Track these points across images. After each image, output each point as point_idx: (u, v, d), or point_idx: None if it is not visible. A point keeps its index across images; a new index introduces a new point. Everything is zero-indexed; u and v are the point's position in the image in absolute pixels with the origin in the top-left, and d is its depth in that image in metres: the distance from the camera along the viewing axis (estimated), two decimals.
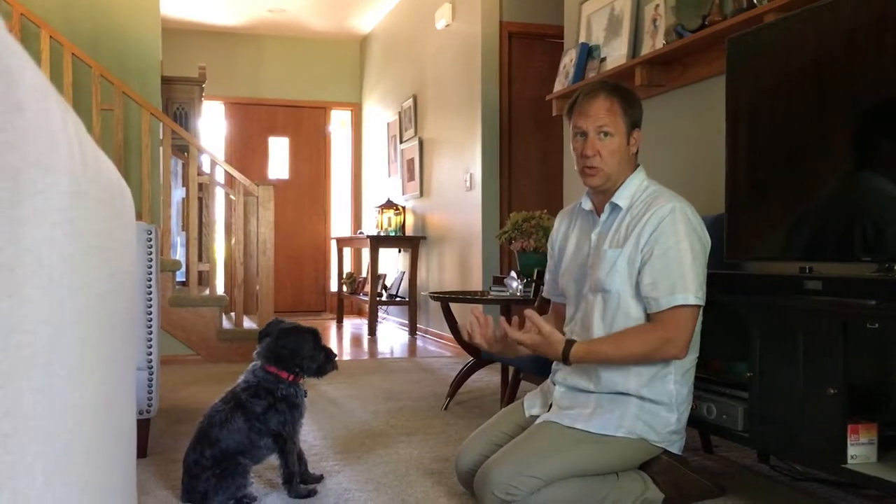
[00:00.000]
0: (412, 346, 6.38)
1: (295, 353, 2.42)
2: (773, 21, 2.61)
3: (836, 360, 1.94)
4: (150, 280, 2.78)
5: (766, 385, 2.17)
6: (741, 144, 2.58)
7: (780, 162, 2.43)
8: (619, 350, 2.19)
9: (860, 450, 1.93)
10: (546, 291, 2.71)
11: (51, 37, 5.00)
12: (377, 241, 7.26)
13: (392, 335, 7.12)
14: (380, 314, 8.10)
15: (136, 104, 5.19)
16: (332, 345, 6.57)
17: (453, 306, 3.93)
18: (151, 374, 2.80)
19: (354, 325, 8.02)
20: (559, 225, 2.63)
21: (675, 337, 2.16)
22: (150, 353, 2.79)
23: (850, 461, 1.92)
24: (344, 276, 8.39)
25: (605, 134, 2.29)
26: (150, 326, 2.79)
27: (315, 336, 2.50)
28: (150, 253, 2.79)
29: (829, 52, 2.26)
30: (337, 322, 8.15)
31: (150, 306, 2.79)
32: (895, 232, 2.04)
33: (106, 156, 0.89)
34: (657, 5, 3.60)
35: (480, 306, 2.55)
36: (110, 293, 0.83)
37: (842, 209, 2.21)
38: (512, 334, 2.24)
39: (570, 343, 2.19)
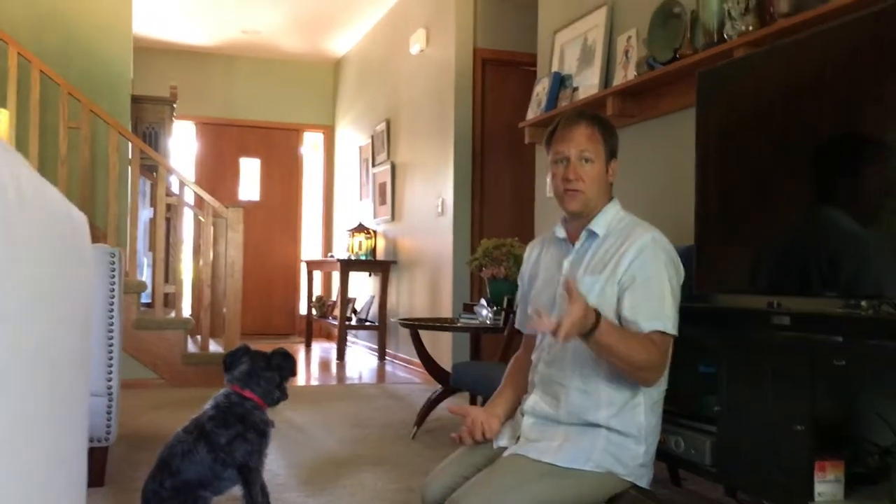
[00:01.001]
0: (381, 372, 6.32)
1: (292, 373, 2.43)
2: (742, 56, 2.64)
3: (803, 396, 1.93)
4: (111, 304, 2.72)
5: (734, 419, 2.16)
6: (710, 177, 2.59)
7: (748, 195, 2.44)
8: (628, 347, 2.09)
9: (827, 487, 1.92)
10: (518, 322, 2.69)
11: (18, 53, 4.93)
12: (347, 265, 7.22)
13: (361, 360, 7.06)
14: (349, 339, 8.04)
15: (105, 123, 5.13)
16: (301, 368, 6.51)
17: (422, 332, 3.90)
18: (111, 400, 2.73)
19: (323, 349, 7.94)
20: (530, 254, 2.61)
21: (659, 360, 2.15)
22: (109, 379, 2.72)
23: (816, 498, 1.91)
24: (313, 299, 8.32)
25: (587, 160, 2.29)
26: (111, 351, 2.73)
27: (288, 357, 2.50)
28: (113, 276, 2.74)
29: (794, 88, 2.28)
30: (305, 346, 8.07)
31: (112, 331, 2.73)
32: (858, 268, 2.06)
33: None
34: (629, 37, 3.63)
35: (475, 408, 2.48)
36: (49, 332, 0.80)
37: (807, 243, 2.22)
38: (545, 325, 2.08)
39: (598, 313, 2.05)
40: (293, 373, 2.48)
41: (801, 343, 1.98)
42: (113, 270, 2.73)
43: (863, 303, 2.03)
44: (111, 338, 2.73)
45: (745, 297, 2.58)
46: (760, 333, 2.12)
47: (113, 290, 2.73)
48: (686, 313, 2.24)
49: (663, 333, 2.16)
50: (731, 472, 2.20)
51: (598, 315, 2.04)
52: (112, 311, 2.73)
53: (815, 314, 2.03)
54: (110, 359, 2.73)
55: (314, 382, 5.81)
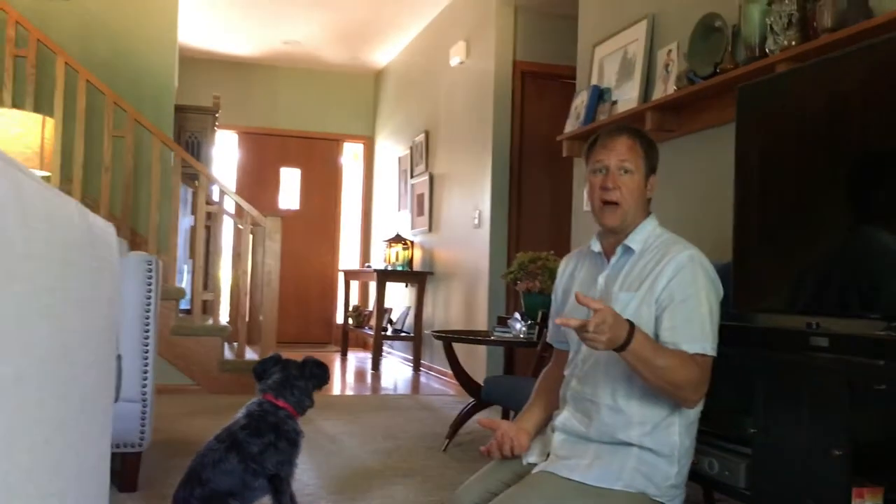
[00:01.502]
0: (415, 383, 6.32)
1: (325, 381, 2.44)
2: (784, 71, 2.60)
3: (841, 420, 1.88)
4: (147, 311, 2.76)
5: (770, 442, 2.11)
6: (749, 193, 2.54)
7: (788, 212, 2.39)
8: (667, 364, 2.03)
9: None
10: (550, 337, 2.66)
11: (66, 63, 5.04)
12: (384, 275, 7.24)
13: (395, 371, 7.06)
14: (384, 349, 8.05)
15: (149, 131, 5.22)
16: (335, 378, 6.55)
17: (457, 345, 3.88)
18: (145, 406, 2.76)
19: (359, 358, 7.97)
20: (564, 268, 2.58)
21: (700, 381, 2.11)
22: (144, 385, 2.76)
23: None
24: (350, 308, 8.35)
25: (626, 171, 2.26)
26: (147, 358, 2.77)
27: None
28: (150, 283, 2.77)
29: (837, 104, 2.24)
30: (341, 355, 8.10)
31: (147, 337, 2.76)
32: None
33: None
34: (670, 50, 3.60)
35: (504, 424, 2.45)
36: (59, 344, 0.80)
37: (848, 263, 2.17)
38: (571, 324, 2.04)
39: (633, 325, 1.99)
40: (326, 381, 2.49)
41: (840, 365, 1.93)
42: (150, 278, 2.77)
43: None
44: (146, 344, 2.76)
45: (783, 316, 2.53)
46: (798, 354, 2.07)
47: (149, 297, 2.77)
48: (723, 332, 2.20)
49: (703, 355, 2.12)
50: (766, 496, 2.15)
51: (632, 325, 2.01)
52: (148, 317, 2.76)
53: (854, 336, 1.98)
54: (145, 365, 2.76)
55: (349, 392, 5.83)
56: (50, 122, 4.60)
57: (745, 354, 2.23)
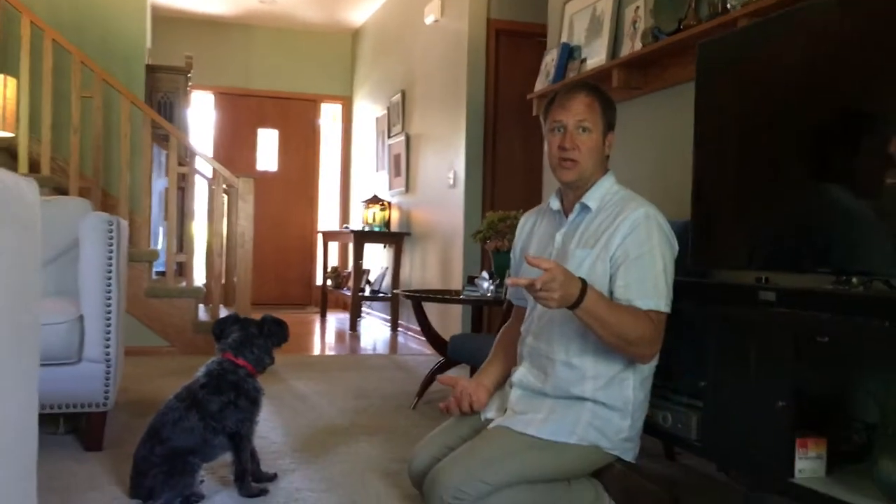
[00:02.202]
0: (393, 343, 6.36)
1: (284, 339, 2.45)
2: (743, 27, 2.59)
3: (786, 372, 1.91)
4: (109, 272, 2.75)
5: (720, 395, 2.15)
6: (708, 150, 2.55)
7: (746, 169, 2.40)
8: (619, 321, 2.07)
9: (808, 464, 1.91)
10: (510, 294, 2.68)
11: (31, 22, 4.95)
12: (362, 236, 7.23)
13: (374, 331, 7.10)
14: (363, 310, 8.08)
15: (119, 92, 5.15)
16: (314, 339, 6.57)
17: (432, 304, 3.90)
18: (109, 367, 2.77)
19: (338, 319, 7.99)
20: (524, 225, 2.59)
21: (654, 337, 2.13)
22: (107, 346, 2.76)
23: (797, 475, 1.90)
24: (329, 270, 8.36)
25: (584, 129, 2.26)
26: (110, 319, 2.76)
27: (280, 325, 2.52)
28: (111, 244, 2.76)
29: (795, 61, 2.23)
30: (321, 316, 8.12)
31: (110, 299, 2.75)
32: (853, 244, 2.02)
33: None
34: (637, 7, 3.57)
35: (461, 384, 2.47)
36: None
37: (803, 219, 2.18)
38: (521, 282, 2.02)
39: (586, 284, 2.03)
40: (285, 338, 2.50)
41: (786, 319, 1.95)
42: (111, 239, 2.76)
43: (854, 280, 1.99)
44: (109, 305, 2.76)
45: (740, 272, 2.55)
46: (747, 309, 2.09)
47: (111, 257, 2.76)
48: (677, 288, 2.22)
49: (657, 312, 2.14)
50: (716, 447, 2.19)
51: (584, 284, 2.03)
52: (110, 278, 2.75)
53: (801, 290, 2.00)
54: (108, 326, 2.76)
55: (329, 353, 5.85)
56: (12, 81, 4.54)
57: (698, 309, 2.25)
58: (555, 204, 2.42)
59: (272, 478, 2.51)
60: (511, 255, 2.63)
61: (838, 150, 2.10)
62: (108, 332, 2.75)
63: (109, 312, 2.76)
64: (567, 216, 2.37)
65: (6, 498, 1.08)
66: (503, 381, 2.45)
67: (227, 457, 2.38)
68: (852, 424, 2.10)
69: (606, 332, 2.09)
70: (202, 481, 2.36)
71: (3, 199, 0.87)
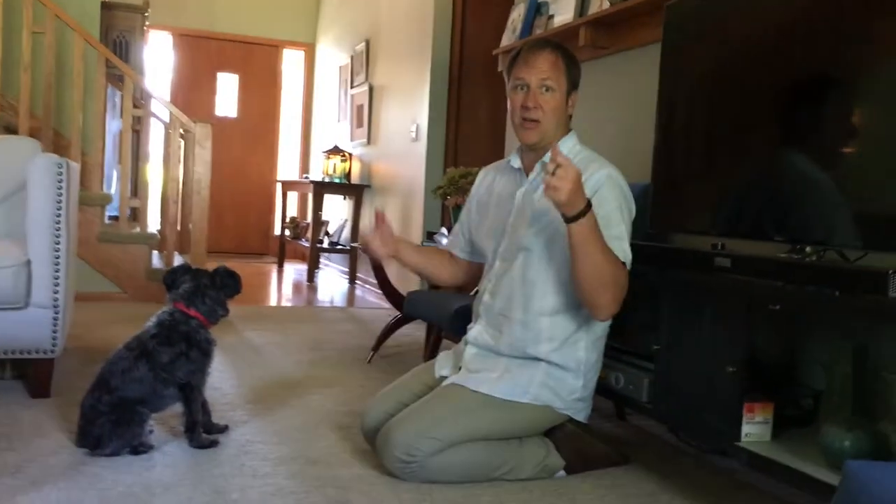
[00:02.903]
0: (350, 296, 6.34)
1: (236, 290, 2.40)
2: None
3: (737, 338, 1.94)
4: (59, 216, 2.67)
5: (671, 358, 2.17)
6: (669, 113, 2.54)
7: (705, 135, 2.41)
8: (605, 255, 2.03)
9: (754, 428, 1.94)
10: (450, 244, 2.63)
11: None
12: (321, 187, 7.15)
13: (332, 283, 7.06)
14: (321, 262, 8.02)
15: (72, 29, 4.97)
16: (271, 290, 6.52)
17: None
18: (57, 312, 2.70)
19: (296, 270, 7.93)
20: (482, 179, 2.57)
21: (623, 288, 2.10)
22: (56, 292, 2.69)
23: (743, 439, 1.94)
24: (287, 220, 8.27)
25: (548, 88, 2.23)
26: (58, 265, 2.69)
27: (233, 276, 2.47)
28: (61, 187, 2.68)
29: (760, 25, 2.22)
30: (278, 266, 8.05)
31: (59, 244, 2.68)
32: (810, 213, 2.04)
33: None
34: None
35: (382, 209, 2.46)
36: None
37: (762, 185, 2.20)
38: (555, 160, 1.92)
39: (589, 205, 1.97)
40: (237, 290, 2.46)
41: (739, 286, 1.97)
42: (60, 181, 2.67)
43: (807, 248, 2.02)
44: (58, 250, 2.68)
45: (698, 237, 2.57)
46: (702, 274, 2.11)
47: (60, 201, 2.68)
48: (634, 251, 2.23)
49: (623, 264, 2.14)
50: (666, 410, 2.22)
51: (589, 203, 1.99)
52: (59, 222, 2.68)
53: (755, 257, 2.02)
54: (56, 271, 2.69)
55: (285, 304, 5.81)
56: None
57: (654, 273, 2.26)
58: (515, 162, 2.40)
59: (223, 429, 2.49)
60: (464, 209, 2.60)
61: (801, 118, 2.11)
62: (57, 278, 2.69)
63: (58, 257, 2.69)
64: (528, 175, 2.35)
65: None
66: (411, 263, 2.53)
67: (178, 407, 2.36)
68: (799, 390, 2.14)
69: (589, 264, 2.01)
70: (151, 431, 2.33)
71: None
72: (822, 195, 2.02)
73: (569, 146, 2.30)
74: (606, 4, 3.39)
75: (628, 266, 2.14)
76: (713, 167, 2.39)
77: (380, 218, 2.38)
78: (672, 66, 2.54)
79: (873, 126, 1.89)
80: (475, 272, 2.54)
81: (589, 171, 2.20)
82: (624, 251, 2.14)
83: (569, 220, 1.96)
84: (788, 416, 2.05)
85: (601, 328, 2.27)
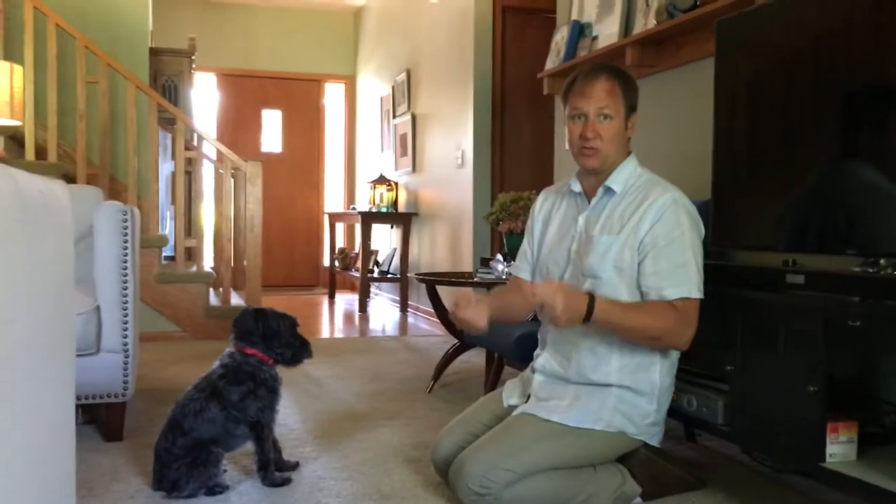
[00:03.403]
0: (403, 324, 6.35)
1: (275, 334, 2.39)
2: (763, 4, 2.54)
3: (816, 356, 1.89)
4: (125, 262, 2.73)
5: (747, 379, 2.13)
6: (728, 129, 2.51)
7: (768, 149, 2.37)
8: (639, 320, 2.07)
9: (839, 448, 1.89)
10: (516, 268, 2.60)
11: (35, 7, 4.90)
12: (369, 217, 7.20)
13: (383, 312, 7.09)
14: (372, 291, 8.07)
15: (123, 77, 5.10)
16: (323, 321, 6.57)
17: (442, 287, 3.88)
18: (127, 356, 2.75)
19: (346, 300, 7.99)
20: (543, 202, 2.54)
21: (683, 326, 2.11)
22: (125, 336, 2.74)
23: (828, 459, 1.89)
24: (336, 251, 8.34)
25: (605, 117, 2.22)
26: (126, 308, 2.74)
27: (294, 323, 2.46)
28: (126, 233, 2.74)
29: (817, 37, 2.19)
30: (329, 297, 8.11)
31: (126, 288, 2.73)
32: (880, 224, 1.99)
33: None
34: None
35: (469, 290, 2.42)
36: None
37: (828, 198, 2.15)
38: (519, 292, 2.03)
39: (593, 296, 2.03)
40: (280, 336, 2.42)
41: (816, 303, 1.93)
42: (125, 229, 2.73)
43: (881, 261, 1.97)
44: (126, 295, 2.74)
45: (762, 254, 2.53)
46: (774, 292, 2.07)
47: (126, 247, 2.73)
48: (703, 271, 2.20)
49: (688, 299, 2.12)
50: (742, 432, 2.18)
51: (591, 297, 2.02)
52: (126, 268, 2.73)
53: (830, 273, 1.98)
54: (125, 316, 2.74)
55: (338, 335, 5.84)
56: (18, 69, 4.49)
57: (724, 293, 2.23)
58: (576, 186, 2.39)
59: (294, 466, 2.51)
60: (527, 232, 2.58)
61: (865, 126, 2.07)
62: (126, 322, 2.74)
63: (126, 302, 2.74)
64: (589, 199, 2.34)
65: (48, 497, 1.07)
66: (500, 315, 2.35)
67: (249, 446, 2.38)
68: (881, 407, 2.09)
69: (629, 336, 2.12)
70: (225, 471, 2.35)
71: (39, 206, 0.85)
72: (891, 205, 1.97)
73: (629, 170, 2.29)
74: (652, 23, 3.38)
75: (695, 295, 2.11)
76: (776, 181, 2.35)
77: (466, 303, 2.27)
78: (727, 80, 2.51)
79: None
80: None
81: (652, 196, 2.18)
82: (689, 278, 2.11)
83: (583, 321, 2.01)
84: (871, 433, 1.99)
85: (676, 353, 2.24)
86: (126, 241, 2.74)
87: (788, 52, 2.29)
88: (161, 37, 7.31)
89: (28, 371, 0.87)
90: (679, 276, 2.10)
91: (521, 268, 2.55)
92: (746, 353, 2.13)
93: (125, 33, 5.81)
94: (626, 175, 2.27)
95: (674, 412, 2.36)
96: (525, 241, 2.58)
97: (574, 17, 4.12)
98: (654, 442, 2.25)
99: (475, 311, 2.20)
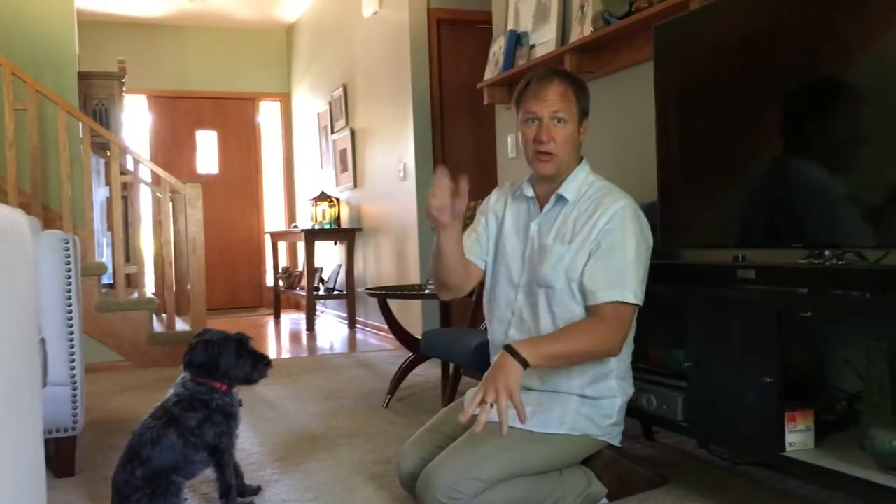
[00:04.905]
0: (352, 341, 6.30)
1: (216, 366, 2.31)
2: (699, 7, 2.61)
3: (770, 348, 1.94)
4: (69, 291, 2.65)
5: (704, 374, 2.17)
6: (671, 131, 2.57)
7: (710, 148, 2.43)
8: (569, 347, 2.07)
9: (798, 437, 1.94)
10: (467, 250, 2.43)
11: None
12: (312, 234, 7.14)
13: (331, 329, 7.02)
14: (318, 309, 7.99)
15: (52, 102, 4.97)
16: (270, 341, 6.47)
17: (391, 301, 3.86)
18: (75, 389, 2.67)
19: (292, 320, 7.89)
20: (497, 199, 2.47)
21: (613, 333, 2.13)
22: (72, 368, 2.66)
23: (788, 448, 1.94)
24: (280, 270, 8.24)
25: (559, 120, 2.23)
26: (72, 339, 2.67)
27: (239, 343, 2.37)
28: (69, 263, 2.66)
29: (753, 36, 2.26)
30: (274, 317, 8.01)
31: (71, 319, 2.66)
32: (823, 216, 2.05)
33: None
34: None
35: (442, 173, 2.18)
36: None
37: (771, 194, 2.21)
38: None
39: (514, 352, 1.98)
40: (221, 365, 2.36)
41: (767, 296, 1.98)
42: (68, 257, 2.65)
43: (826, 252, 2.03)
44: (71, 326, 2.66)
45: (710, 251, 2.58)
46: (726, 288, 2.12)
47: (69, 276, 2.66)
48: (653, 270, 2.23)
49: (622, 303, 2.14)
50: (702, 426, 2.22)
51: (510, 349, 1.99)
52: (70, 298, 2.65)
53: (779, 266, 2.03)
54: (71, 347, 2.66)
55: (285, 355, 5.77)
56: None
57: (676, 291, 2.27)
58: (528, 191, 2.39)
59: (256, 490, 2.46)
60: (477, 221, 2.48)
61: (803, 122, 2.13)
62: (73, 353, 2.66)
63: (72, 333, 2.66)
64: (541, 206, 2.35)
65: None
66: (455, 246, 2.28)
67: (209, 472, 2.32)
68: (833, 394, 2.15)
69: (568, 361, 2.13)
70: (186, 500, 2.29)
71: (9, 234, 0.82)
72: (833, 198, 2.04)
73: (581, 178, 2.31)
74: (588, 30, 3.43)
75: (629, 300, 2.11)
76: (720, 180, 2.41)
77: (458, 188, 2.15)
78: (667, 83, 2.57)
79: (873, 123, 1.91)
80: (477, 283, 2.48)
81: (604, 204, 2.20)
82: (624, 284, 2.11)
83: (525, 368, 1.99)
84: (826, 421, 2.05)
85: (627, 355, 2.27)
86: (69, 271, 2.66)
87: (725, 52, 2.35)
88: (89, 60, 7.14)
89: (5, 404, 0.84)
90: (614, 280, 2.12)
91: (472, 251, 2.43)
92: (702, 349, 2.18)
93: (52, 58, 5.67)
94: (579, 183, 2.29)
95: (634, 411, 2.39)
96: (477, 225, 2.47)
97: (510, 26, 4.17)
98: (616, 441, 2.28)
99: (455, 213, 2.15)
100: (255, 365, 2.37)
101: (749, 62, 2.27)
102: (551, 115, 2.22)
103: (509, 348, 2.00)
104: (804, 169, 2.12)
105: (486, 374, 1.98)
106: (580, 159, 2.34)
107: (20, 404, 0.92)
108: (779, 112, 2.19)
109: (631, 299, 2.13)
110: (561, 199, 2.29)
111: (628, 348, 2.25)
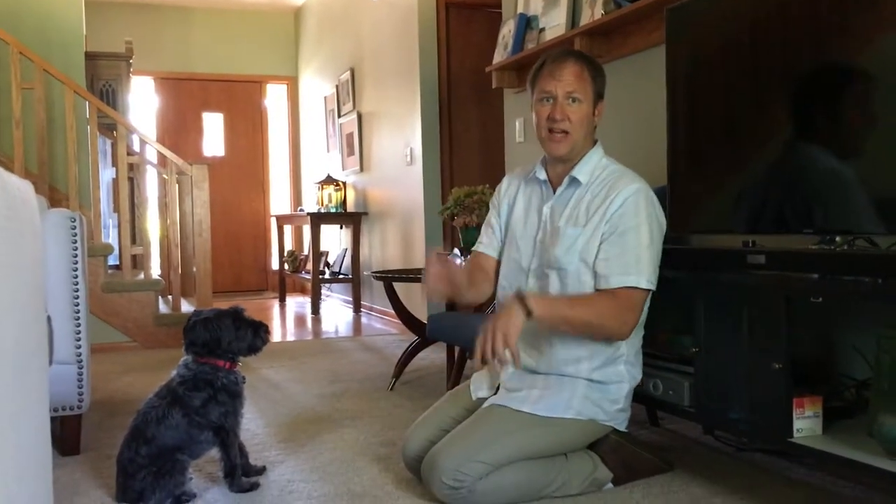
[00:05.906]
0: (357, 325, 6.30)
1: (218, 340, 2.31)
2: None
3: (779, 334, 1.93)
4: (75, 270, 2.65)
5: (712, 360, 2.16)
6: (681, 115, 2.54)
7: (721, 133, 2.41)
8: (578, 315, 2.09)
9: (806, 423, 1.93)
10: (481, 245, 2.51)
11: None
12: (318, 218, 7.13)
13: (336, 313, 7.03)
14: (323, 292, 7.99)
15: (60, 82, 4.96)
16: (275, 325, 6.47)
17: (396, 284, 3.85)
18: (81, 367, 2.67)
19: (298, 303, 7.90)
20: (509, 184, 2.49)
21: (623, 313, 2.13)
22: (78, 347, 2.66)
23: (795, 435, 1.93)
24: (285, 254, 8.24)
25: (574, 100, 2.21)
26: (78, 318, 2.66)
27: (235, 315, 2.37)
28: (75, 241, 2.66)
29: (766, 20, 2.23)
30: (279, 301, 8.01)
31: (77, 298, 2.65)
32: (834, 203, 2.03)
33: None
34: None
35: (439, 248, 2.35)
36: None
37: (782, 180, 2.19)
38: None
39: (523, 300, 2.02)
40: (223, 338, 2.36)
41: (777, 281, 1.97)
42: (74, 236, 2.65)
43: (837, 238, 2.02)
44: (77, 304, 2.66)
45: (719, 236, 2.56)
46: (736, 273, 2.10)
47: (76, 255, 2.65)
48: (663, 255, 2.22)
49: (634, 288, 2.13)
50: (709, 412, 2.21)
51: (520, 296, 2.03)
52: (76, 277, 2.65)
53: (790, 252, 2.02)
54: (77, 326, 2.66)
55: (290, 338, 5.77)
56: None
57: (685, 276, 2.25)
58: (541, 174, 2.37)
59: (261, 471, 2.46)
60: (492, 210, 2.51)
61: (815, 107, 2.10)
62: (79, 332, 2.66)
63: (78, 312, 2.66)
64: (554, 188, 2.34)
65: None
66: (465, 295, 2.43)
67: (214, 453, 2.33)
68: (841, 381, 2.13)
69: (573, 329, 2.13)
70: (191, 479, 2.30)
71: (21, 203, 0.81)
72: (845, 184, 2.02)
73: (595, 160, 2.29)
74: (598, 13, 3.40)
75: (642, 285, 2.12)
76: (731, 165, 2.38)
77: (445, 261, 2.31)
78: (679, 66, 2.54)
79: (885, 108, 1.89)
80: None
81: (617, 187, 2.19)
82: (638, 268, 2.12)
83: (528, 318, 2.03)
84: (834, 407, 2.04)
85: (637, 340, 2.26)
86: (76, 249, 2.65)
87: (739, 35, 2.33)
88: (96, 40, 7.12)
89: (13, 377, 0.83)
90: (627, 265, 2.11)
91: (487, 244, 2.48)
92: (711, 334, 2.16)
93: (59, 38, 5.65)
94: (592, 165, 2.28)
95: (640, 397, 2.38)
96: (491, 218, 2.51)
97: (520, 10, 4.13)
98: (622, 427, 2.27)
99: (453, 282, 2.27)
100: (256, 332, 2.37)
101: (761, 46, 2.25)
102: (566, 95, 2.21)
103: (519, 295, 2.01)
104: (815, 154, 2.10)
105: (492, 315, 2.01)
106: (594, 142, 2.32)
107: (27, 376, 0.92)
108: (790, 97, 2.17)
109: (644, 284, 2.12)
110: (574, 182, 2.27)
111: (639, 333, 2.24)
